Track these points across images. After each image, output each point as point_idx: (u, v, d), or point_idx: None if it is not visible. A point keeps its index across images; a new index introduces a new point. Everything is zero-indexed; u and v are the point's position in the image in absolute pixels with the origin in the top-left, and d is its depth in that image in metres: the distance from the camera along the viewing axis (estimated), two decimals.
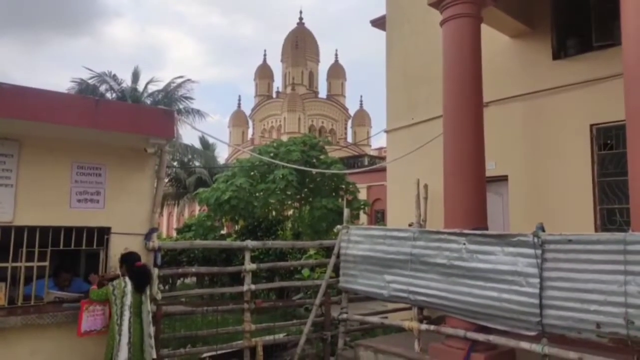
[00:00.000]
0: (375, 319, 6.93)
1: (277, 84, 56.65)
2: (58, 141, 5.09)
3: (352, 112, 56.16)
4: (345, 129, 55.67)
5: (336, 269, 6.80)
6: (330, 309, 6.72)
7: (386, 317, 7.16)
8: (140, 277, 4.85)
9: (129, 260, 4.94)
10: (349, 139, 54.02)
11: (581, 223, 6.57)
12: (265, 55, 57.72)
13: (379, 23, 11.24)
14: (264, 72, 56.49)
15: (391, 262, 5.97)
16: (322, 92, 56.25)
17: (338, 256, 6.71)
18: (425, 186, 8.01)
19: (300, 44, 54.19)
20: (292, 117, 48.30)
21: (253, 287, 6.22)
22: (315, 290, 7.35)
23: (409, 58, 9.78)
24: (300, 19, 55.90)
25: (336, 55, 57.79)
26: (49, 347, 4.76)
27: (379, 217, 26.06)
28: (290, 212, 15.86)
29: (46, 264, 4.97)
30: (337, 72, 56.64)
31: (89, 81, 22.78)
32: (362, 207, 16.04)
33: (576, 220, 6.67)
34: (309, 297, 8.06)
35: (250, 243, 6.43)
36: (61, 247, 5.03)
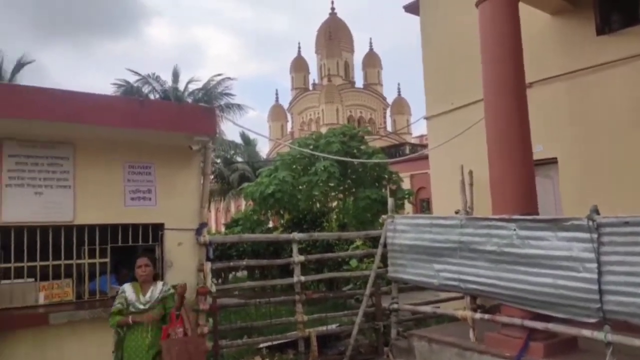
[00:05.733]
0: (427, 309, 6.87)
1: (313, 76, 56.69)
2: (109, 142, 5.33)
3: (390, 100, 55.51)
4: (384, 117, 55.12)
5: (384, 259, 6.79)
6: (380, 299, 6.73)
7: (438, 307, 7.09)
8: None
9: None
10: (389, 128, 53.45)
11: (636, 204, 6.27)
12: (299, 47, 57.98)
13: (412, 8, 11.02)
14: (299, 65, 56.59)
15: (439, 251, 5.90)
16: (359, 82, 55.83)
17: (385, 246, 6.69)
18: (470, 172, 7.84)
19: (334, 34, 53.87)
20: (330, 109, 48.22)
21: (303, 278, 6.31)
22: (364, 281, 7.37)
23: (445, 41, 9.56)
24: (332, 9, 55.54)
25: (370, 43, 57.18)
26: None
27: (424, 206, 25.71)
28: (334, 203, 15.89)
29: (107, 260, 5.23)
30: (372, 60, 56.02)
31: (134, 84, 23.55)
32: (407, 196, 15.87)
33: (630, 201, 6.37)
34: (358, 287, 8.08)
35: (297, 235, 6.51)
36: (119, 244, 5.28)
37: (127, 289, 4.17)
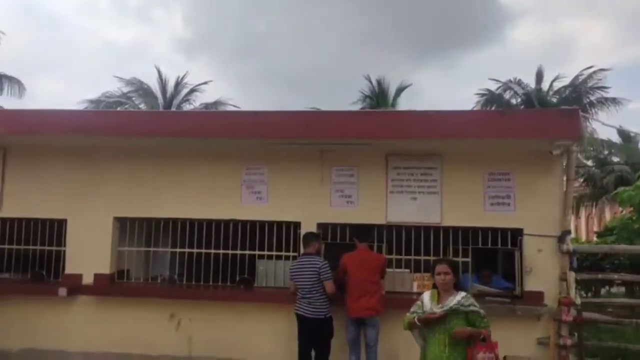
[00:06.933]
0: None
1: None
2: (470, 153, 5.79)
3: None
4: None
5: None
6: None
7: None
8: None
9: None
10: None
11: None
12: None
13: None
14: None
15: None
16: None
17: None
18: None
19: None
20: None
21: None
22: None
23: None
24: None
25: None
26: None
27: None
28: None
29: (469, 259, 5.72)
30: None
31: (495, 91, 24.06)
32: None
33: None
34: None
35: None
36: (480, 246, 5.69)
37: (426, 295, 3.84)
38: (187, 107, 25.17)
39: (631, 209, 12.11)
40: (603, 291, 11.59)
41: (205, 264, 6.17)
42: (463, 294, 3.69)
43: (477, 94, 24.72)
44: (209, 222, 6.11)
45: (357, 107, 23.47)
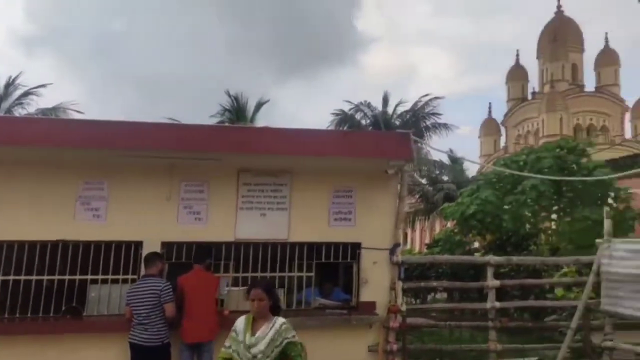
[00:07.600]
0: None
1: (533, 84, 51.99)
2: (319, 170, 6.08)
3: (631, 103, 47.25)
4: (622, 123, 47.25)
5: (597, 289, 6.06)
6: (589, 335, 6.01)
7: None
8: None
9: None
10: (628, 135, 45.65)
11: None
12: (517, 55, 53.34)
13: None
14: (516, 74, 52.63)
15: None
16: (590, 85, 48.95)
17: (598, 274, 5.98)
18: None
19: (559, 35, 48.27)
20: (552, 118, 43.55)
21: (497, 304, 6.09)
22: (571, 312, 6.66)
23: None
24: (559, 7, 49.89)
25: (606, 39, 48.89)
26: (316, 346, 5.55)
27: None
28: (547, 224, 14.44)
29: (312, 274, 5.98)
30: (608, 58, 48.01)
31: (348, 112, 25.85)
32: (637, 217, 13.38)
33: None
34: (564, 319, 7.33)
35: (492, 259, 6.34)
36: (323, 260, 5.98)
37: (239, 323, 3.34)
38: (19, 111, 22.15)
39: (454, 222, 13.86)
40: (429, 298, 13.05)
41: (25, 292, 5.37)
42: (281, 321, 3.29)
43: (333, 113, 26.31)
44: (32, 244, 5.42)
45: (215, 121, 23.11)
